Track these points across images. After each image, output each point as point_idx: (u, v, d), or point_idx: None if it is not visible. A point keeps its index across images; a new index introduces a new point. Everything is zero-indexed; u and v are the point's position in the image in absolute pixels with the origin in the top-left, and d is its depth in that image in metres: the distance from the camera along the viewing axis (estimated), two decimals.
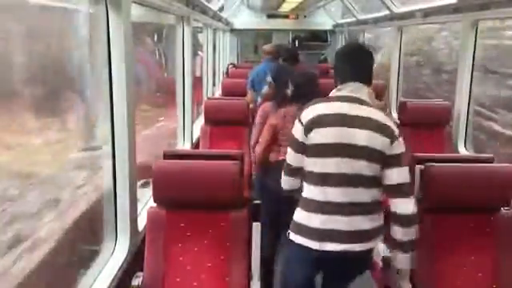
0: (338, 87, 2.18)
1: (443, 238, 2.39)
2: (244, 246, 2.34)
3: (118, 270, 2.22)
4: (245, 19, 10.19)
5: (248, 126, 4.18)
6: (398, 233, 2.11)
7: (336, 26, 9.88)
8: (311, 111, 2.13)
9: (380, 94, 5.55)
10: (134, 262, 2.35)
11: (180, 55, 4.32)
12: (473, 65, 3.84)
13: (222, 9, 6.68)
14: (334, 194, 2.08)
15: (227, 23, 8.77)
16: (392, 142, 2.06)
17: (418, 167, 2.43)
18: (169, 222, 2.32)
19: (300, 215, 2.17)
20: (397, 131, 2.09)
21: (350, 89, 2.14)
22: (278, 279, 2.58)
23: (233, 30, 10.12)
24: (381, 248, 2.90)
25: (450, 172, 2.39)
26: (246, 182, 3.49)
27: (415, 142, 3.92)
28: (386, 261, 2.73)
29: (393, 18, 5.69)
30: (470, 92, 3.90)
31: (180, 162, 2.41)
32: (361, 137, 2.05)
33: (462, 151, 3.91)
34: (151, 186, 2.32)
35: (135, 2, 2.57)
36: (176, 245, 2.31)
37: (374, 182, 2.10)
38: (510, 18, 3.82)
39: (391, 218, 2.13)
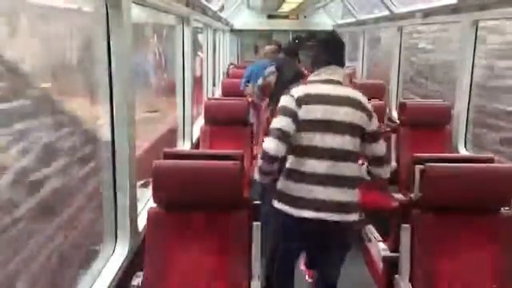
0: (315, 72, 2.42)
1: (443, 238, 2.38)
2: (244, 246, 2.34)
3: (118, 270, 2.22)
4: (245, 19, 10.20)
5: (248, 126, 4.18)
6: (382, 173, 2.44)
7: (336, 26, 9.88)
8: (299, 90, 2.33)
9: (380, 93, 5.57)
10: (134, 262, 2.35)
11: (180, 55, 4.33)
12: (473, 65, 3.84)
13: (222, 9, 6.67)
14: (319, 166, 2.29)
15: (227, 23, 8.77)
16: (370, 119, 2.35)
17: (418, 167, 2.43)
18: (169, 222, 2.32)
19: (283, 184, 2.37)
20: (372, 109, 2.38)
21: (329, 72, 2.39)
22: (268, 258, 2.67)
23: (233, 31, 10.12)
24: (381, 247, 2.90)
25: (450, 172, 2.39)
26: (246, 182, 3.49)
27: (415, 142, 3.93)
28: (386, 261, 2.73)
29: (393, 18, 5.69)
30: (470, 92, 3.91)
31: (180, 162, 2.41)
32: (343, 113, 2.29)
33: (462, 151, 3.91)
34: (151, 186, 2.33)
35: (135, 2, 2.57)
36: (176, 245, 2.31)
37: (355, 157, 2.35)
38: (510, 19, 3.80)
39: (371, 176, 2.44)
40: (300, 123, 2.29)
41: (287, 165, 2.37)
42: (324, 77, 2.38)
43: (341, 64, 2.46)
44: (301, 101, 2.29)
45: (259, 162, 2.35)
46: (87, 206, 2.70)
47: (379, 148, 2.40)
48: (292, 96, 2.32)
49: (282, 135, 2.26)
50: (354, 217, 2.37)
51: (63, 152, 2.53)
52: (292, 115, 2.28)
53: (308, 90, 2.33)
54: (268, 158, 2.27)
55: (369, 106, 2.38)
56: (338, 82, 2.38)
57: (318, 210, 2.29)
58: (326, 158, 2.29)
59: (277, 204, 2.40)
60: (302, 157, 2.31)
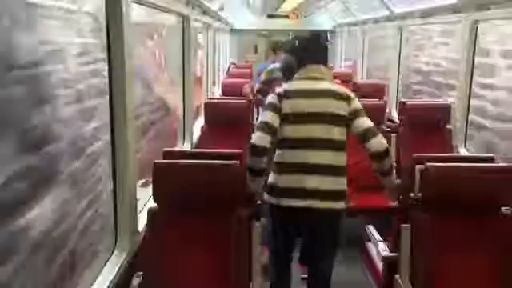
0: (299, 72, 2.57)
1: (443, 238, 2.38)
2: (245, 245, 2.34)
3: (118, 269, 2.22)
4: (245, 19, 10.19)
5: (248, 126, 4.18)
6: (386, 164, 2.44)
7: (336, 26, 9.88)
8: (282, 88, 2.54)
9: (380, 93, 5.57)
10: (134, 262, 2.35)
11: (180, 55, 4.32)
12: (473, 65, 3.84)
13: (222, 8, 6.67)
14: (304, 156, 2.42)
15: (227, 23, 8.77)
16: (349, 102, 2.47)
17: (418, 167, 2.43)
18: (169, 222, 2.32)
19: (272, 178, 2.51)
20: (352, 94, 2.52)
21: (311, 69, 2.55)
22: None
23: (233, 30, 10.12)
24: (381, 247, 2.90)
25: (450, 172, 2.39)
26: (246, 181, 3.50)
27: (415, 142, 3.93)
28: (386, 261, 2.73)
29: (393, 18, 5.69)
30: (470, 92, 3.91)
31: (180, 162, 2.41)
32: (324, 105, 2.44)
33: (462, 151, 3.91)
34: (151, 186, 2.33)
35: (135, 2, 2.57)
36: (176, 245, 2.31)
37: (340, 145, 2.46)
38: (510, 19, 3.80)
39: (372, 157, 2.42)
40: (283, 117, 2.44)
41: (275, 159, 2.51)
42: (305, 75, 2.55)
43: (323, 62, 2.61)
44: (282, 96, 2.47)
45: (248, 159, 2.43)
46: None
47: (366, 122, 2.46)
48: (275, 93, 2.52)
49: (266, 127, 2.40)
50: (341, 205, 2.47)
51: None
52: (275, 109, 2.45)
53: (289, 87, 2.53)
54: (255, 150, 2.38)
55: (348, 92, 2.52)
56: (320, 79, 2.54)
57: (306, 198, 2.41)
58: (310, 148, 2.42)
59: (267, 197, 2.53)
60: (288, 149, 2.46)
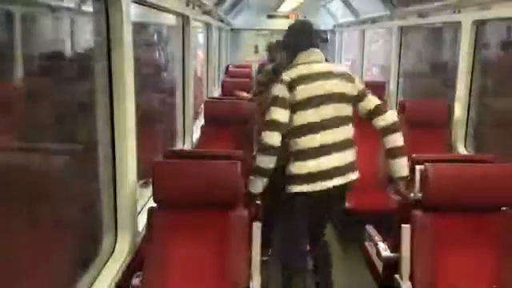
0: (297, 57, 2.58)
1: (443, 238, 2.38)
2: (244, 245, 2.34)
3: (118, 269, 2.22)
4: (245, 19, 10.19)
5: (248, 126, 4.18)
6: (398, 139, 2.53)
7: (336, 25, 9.88)
8: (290, 74, 2.49)
9: (379, 92, 5.57)
10: (134, 262, 2.35)
11: (180, 55, 4.32)
12: (473, 65, 3.84)
13: (221, 8, 6.67)
14: (325, 138, 2.46)
15: (227, 23, 8.77)
16: (354, 82, 2.57)
17: (418, 167, 2.43)
18: (169, 222, 2.32)
19: (294, 168, 2.47)
20: (352, 74, 2.61)
21: (313, 52, 2.58)
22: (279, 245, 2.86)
23: (233, 30, 10.11)
24: (381, 247, 2.90)
25: (450, 172, 2.39)
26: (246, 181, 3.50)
27: (415, 142, 3.91)
28: (386, 261, 2.73)
29: (393, 18, 5.69)
30: (470, 92, 3.90)
31: (180, 162, 2.41)
32: (334, 86, 2.50)
33: (462, 151, 3.91)
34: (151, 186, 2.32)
35: (135, 2, 2.57)
36: (176, 244, 2.31)
37: (348, 120, 2.55)
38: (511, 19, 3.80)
39: (385, 131, 2.53)
40: (295, 105, 2.44)
41: (292, 147, 2.49)
42: (308, 59, 2.57)
43: (316, 46, 2.64)
44: (292, 83, 2.45)
45: (258, 159, 2.42)
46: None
47: (374, 100, 2.59)
48: (283, 81, 2.47)
49: (277, 124, 2.40)
50: (356, 174, 2.57)
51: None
52: (283, 103, 2.44)
53: (296, 73, 2.49)
54: (267, 149, 2.39)
55: (349, 72, 2.62)
56: (321, 61, 2.61)
57: (334, 176, 2.46)
58: (328, 128, 2.46)
59: (292, 187, 2.48)
60: (305, 134, 2.46)
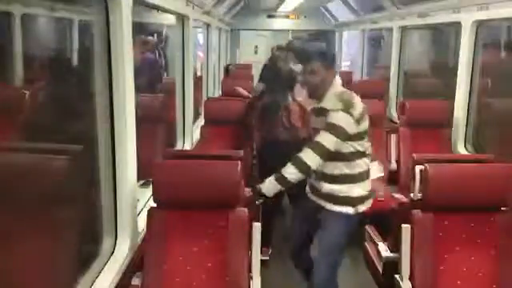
0: (337, 81, 2.57)
1: (443, 238, 2.38)
2: (244, 245, 2.34)
3: (118, 269, 2.22)
4: (245, 19, 10.19)
5: (248, 125, 4.18)
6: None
7: (336, 26, 9.88)
8: (358, 105, 2.41)
9: (380, 93, 5.57)
10: (134, 262, 2.35)
11: (180, 55, 4.32)
12: (473, 65, 3.84)
13: (221, 8, 6.67)
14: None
15: (227, 23, 8.77)
16: None
17: (418, 167, 2.43)
18: (169, 222, 2.32)
19: (362, 189, 2.51)
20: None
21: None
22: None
23: (233, 30, 10.11)
24: (381, 247, 2.90)
25: (450, 172, 2.39)
26: (246, 182, 3.50)
27: (415, 142, 3.93)
28: (386, 261, 2.73)
29: (393, 18, 5.69)
30: (470, 92, 3.90)
31: (180, 162, 2.41)
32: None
33: (462, 151, 3.91)
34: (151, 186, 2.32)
35: (135, 2, 2.57)
36: (176, 245, 2.31)
37: None
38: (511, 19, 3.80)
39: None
40: (360, 134, 2.44)
41: (354, 171, 2.49)
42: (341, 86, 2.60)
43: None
44: (360, 118, 2.41)
45: (288, 170, 2.40)
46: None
47: None
48: (352, 115, 2.38)
49: (326, 153, 2.38)
50: None
51: None
52: (345, 138, 2.40)
53: (356, 104, 2.41)
54: (307, 170, 2.41)
55: None
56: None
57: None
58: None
59: (359, 208, 2.54)
60: (361, 158, 2.50)
